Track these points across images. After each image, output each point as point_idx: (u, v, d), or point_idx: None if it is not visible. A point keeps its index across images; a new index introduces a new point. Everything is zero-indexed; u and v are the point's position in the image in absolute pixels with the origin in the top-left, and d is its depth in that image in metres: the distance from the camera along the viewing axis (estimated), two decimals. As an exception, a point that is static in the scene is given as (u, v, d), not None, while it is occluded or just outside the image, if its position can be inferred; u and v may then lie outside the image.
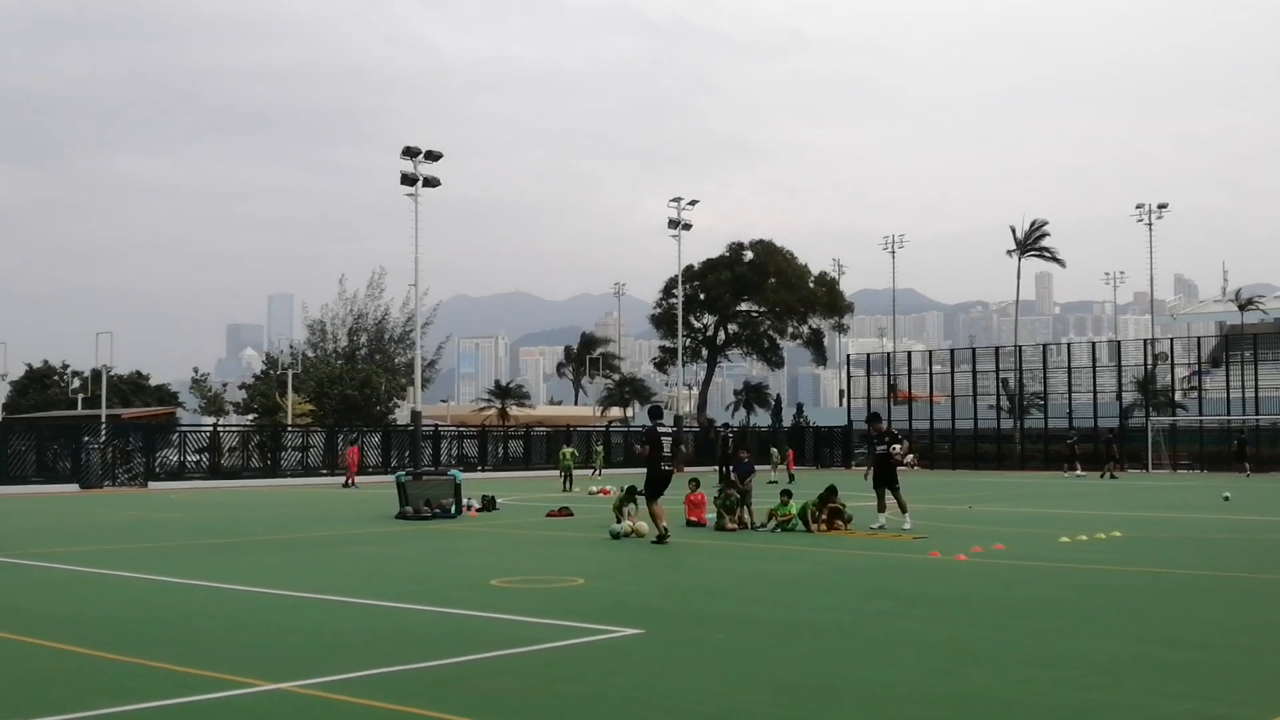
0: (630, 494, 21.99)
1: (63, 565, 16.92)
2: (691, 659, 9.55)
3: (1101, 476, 50.67)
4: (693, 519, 23.04)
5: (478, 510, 27.84)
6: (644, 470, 20.53)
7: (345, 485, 46.54)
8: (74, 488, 44.26)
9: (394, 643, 10.29)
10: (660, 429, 21.06)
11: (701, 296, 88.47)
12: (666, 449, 20.36)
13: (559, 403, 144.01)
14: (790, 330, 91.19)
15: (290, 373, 72.48)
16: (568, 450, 45.38)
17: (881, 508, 22.40)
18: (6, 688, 8.60)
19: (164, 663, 9.30)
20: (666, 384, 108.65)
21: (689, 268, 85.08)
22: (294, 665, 9.23)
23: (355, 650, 9.93)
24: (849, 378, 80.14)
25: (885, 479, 22.57)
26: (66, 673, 9.17)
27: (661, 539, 19.36)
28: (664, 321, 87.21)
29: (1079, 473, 53.30)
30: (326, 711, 7.84)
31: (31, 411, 72.61)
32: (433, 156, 55.85)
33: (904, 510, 22.21)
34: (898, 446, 23.17)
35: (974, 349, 77.39)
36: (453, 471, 29.37)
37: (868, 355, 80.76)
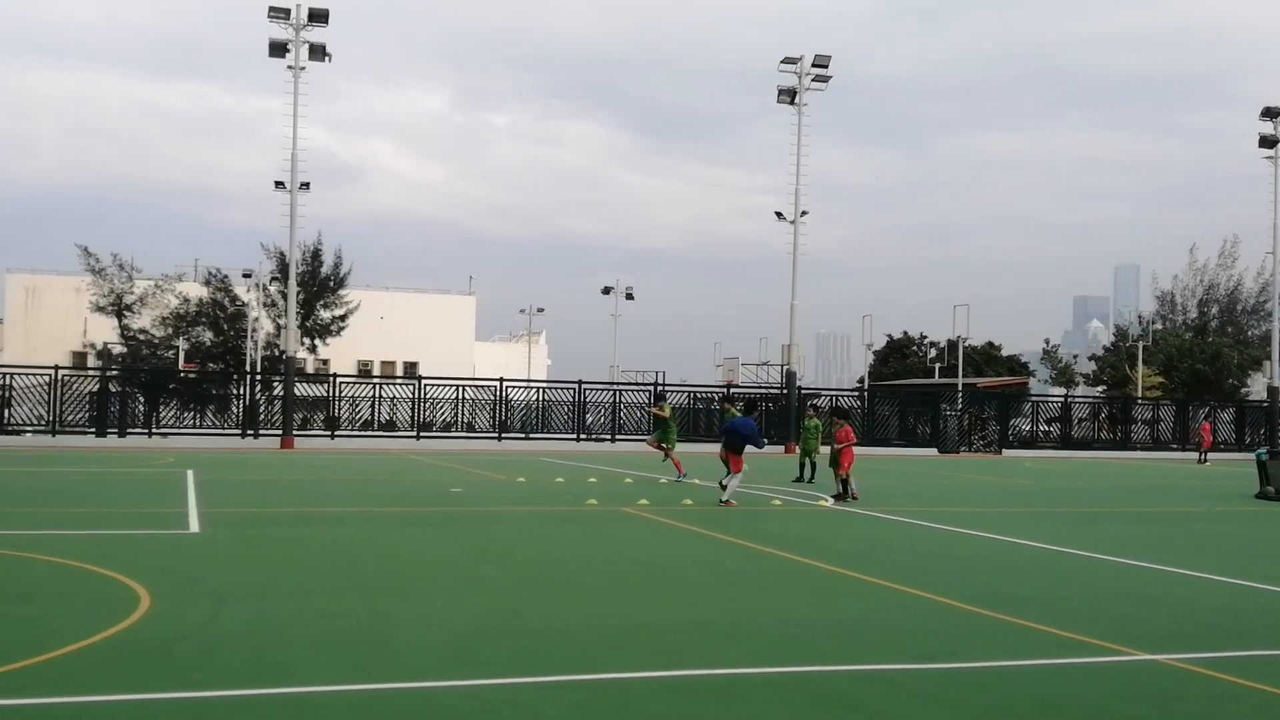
0: None
1: (926, 523, 18.08)
2: None
3: None
4: None
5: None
6: None
7: (1199, 462, 44.94)
8: (932, 452, 46.73)
9: (1268, 625, 9.93)
10: None
11: None
12: None
13: None
14: None
15: (1140, 345, 71.18)
16: None
17: None
18: (886, 632, 9.42)
19: (1035, 623, 9.68)
20: None
21: None
22: (1163, 637, 9.22)
23: (1225, 629, 9.72)
24: None
25: None
26: (941, 624, 9.82)
27: None
28: None
29: None
30: (1204, 688, 7.77)
31: (891, 379, 77.55)
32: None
33: None
34: None
35: None
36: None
37: None
